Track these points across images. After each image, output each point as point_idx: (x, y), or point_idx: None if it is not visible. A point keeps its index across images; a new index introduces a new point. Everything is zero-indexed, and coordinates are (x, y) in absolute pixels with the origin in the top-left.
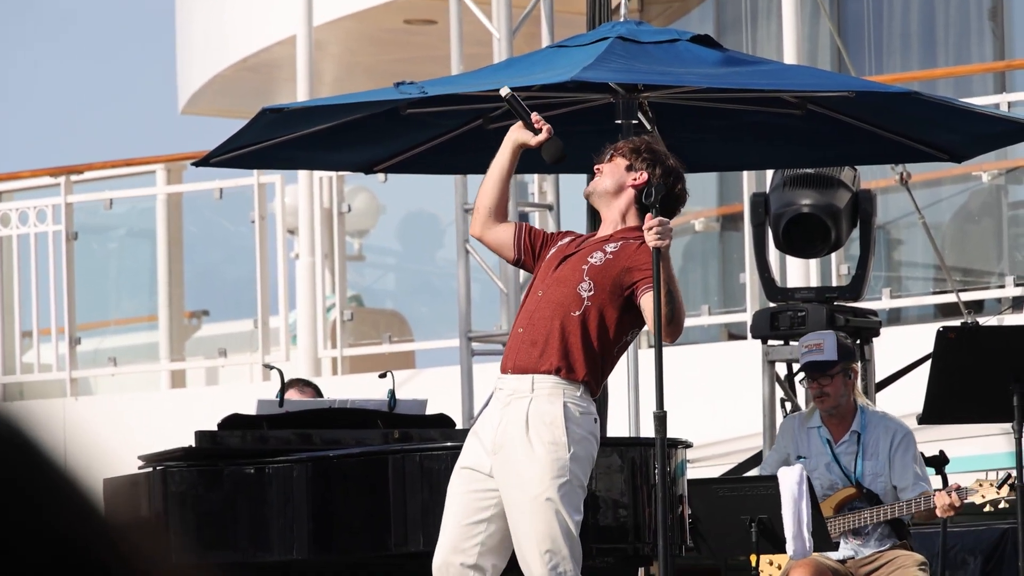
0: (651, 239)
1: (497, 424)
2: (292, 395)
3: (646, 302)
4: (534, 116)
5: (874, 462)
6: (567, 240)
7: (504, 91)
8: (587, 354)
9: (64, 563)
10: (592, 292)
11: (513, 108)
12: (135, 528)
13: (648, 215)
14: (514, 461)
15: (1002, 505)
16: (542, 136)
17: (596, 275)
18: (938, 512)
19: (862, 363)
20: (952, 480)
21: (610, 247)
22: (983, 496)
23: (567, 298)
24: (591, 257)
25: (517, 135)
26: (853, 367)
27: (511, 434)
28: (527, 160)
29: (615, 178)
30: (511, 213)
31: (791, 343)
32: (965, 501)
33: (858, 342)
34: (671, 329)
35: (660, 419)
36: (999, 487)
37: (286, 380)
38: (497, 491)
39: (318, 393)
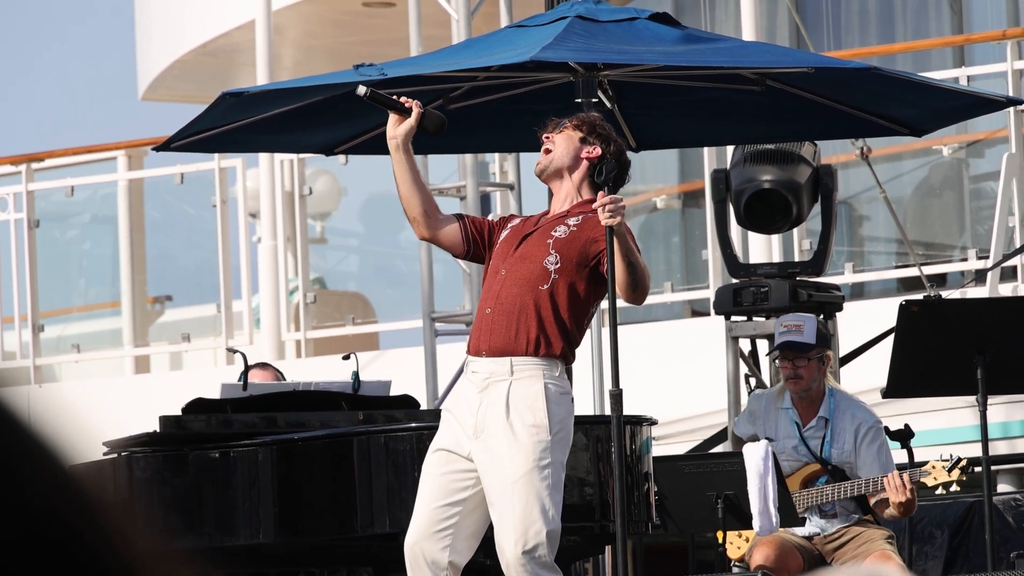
0: (604, 218)
1: (477, 407)
2: (254, 376)
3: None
4: (401, 99)
5: (840, 449)
6: (518, 221)
7: (361, 90)
8: (560, 327)
9: (38, 534)
10: (559, 265)
11: (378, 103)
12: (109, 505)
13: (600, 193)
14: (495, 444)
15: (953, 488)
16: (415, 114)
17: (562, 248)
18: (891, 504)
19: None
20: (918, 454)
21: (572, 220)
22: (935, 479)
23: (534, 274)
24: (554, 231)
25: (395, 130)
26: (828, 354)
27: (492, 417)
28: (487, 141)
29: (570, 150)
30: (472, 193)
31: (754, 319)
32: (917, 481)
33: (821, 317)
34: (637, 295)
35: (616, 397)
36: (949, 470)
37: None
38: (474, 473)
39: (279, 375)
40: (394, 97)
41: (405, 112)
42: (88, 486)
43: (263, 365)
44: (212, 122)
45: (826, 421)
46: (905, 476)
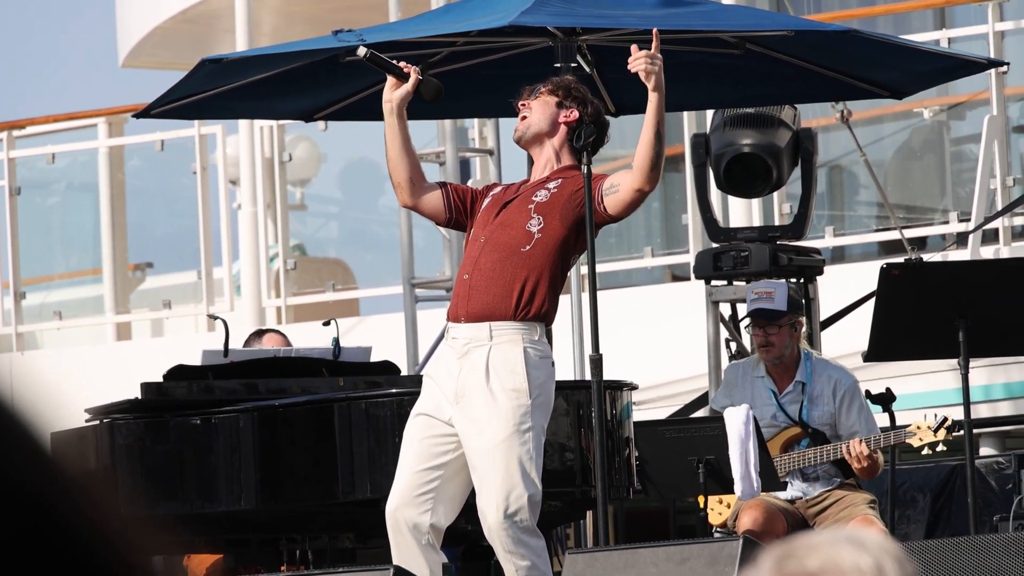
0: (640, 66)
1: (457, 373)
2: (266, 342)
3: (616, 177)
4: (400, 64)
5: (820, 412)
6: (500, 189)
7: (361, 51)
8: (539, 291)
9: (14, 508)
10: (542, 226)
11: (377, 65)
12: (86, 477)
13: (634, 47)
14: (476, 410)
15: (939, 448)
16: (412, 80)
17: (544, 210)
18: (854, 469)
19: (806, 302)
20: (900, 418)
21: (552, 184)
22: (920, 439)
23: (514, 239)
24: (535, 196)
25: (391, 94)
26: (800, 320)
27: (472, 383)
28: (466, 106)
29: (547, 115)
30: (451, 158)
31: (735, 283)
32: (902, 442)
33: (801, 281)
34: (654, 174)
35: (596, 362)
36: (935, 430)
37: (259, 330)
38: (455, 438)
39: (287, 342)
40: (393, 62)
41: (403, 77)
42: (64, 458)
43: (273, 331)
44: (192, 89)
45: (803, 386)
46: (863, 445)
